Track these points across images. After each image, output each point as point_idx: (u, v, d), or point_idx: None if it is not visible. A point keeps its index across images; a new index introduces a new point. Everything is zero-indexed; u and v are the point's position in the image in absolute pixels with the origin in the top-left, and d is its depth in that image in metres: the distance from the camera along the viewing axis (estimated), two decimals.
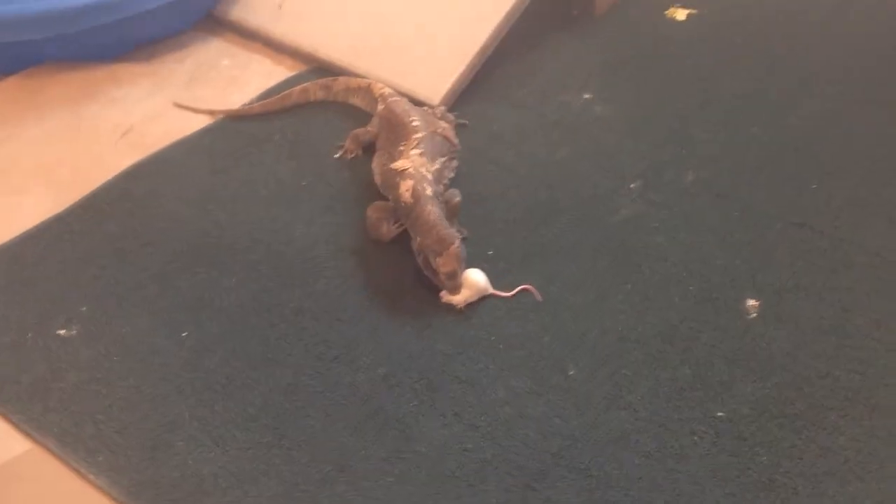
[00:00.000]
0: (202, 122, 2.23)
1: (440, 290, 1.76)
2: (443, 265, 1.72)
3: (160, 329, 1.71)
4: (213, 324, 1.72)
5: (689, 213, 1.96)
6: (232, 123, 2.22)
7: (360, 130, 2.12)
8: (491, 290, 1.76)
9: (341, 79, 2.29)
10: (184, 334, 1.70)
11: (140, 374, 1.62)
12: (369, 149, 2.09)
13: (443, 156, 1.98)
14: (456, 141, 2.07)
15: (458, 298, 1.74)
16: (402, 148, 1.94)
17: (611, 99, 2.31)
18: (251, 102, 2.28)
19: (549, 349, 1.68)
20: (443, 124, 2.08)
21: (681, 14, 2.65)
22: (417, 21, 2.37)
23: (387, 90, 2.17)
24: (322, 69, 2.40)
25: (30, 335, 1.70)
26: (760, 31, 2.57)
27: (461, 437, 1.52)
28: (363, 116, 2.20)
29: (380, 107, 2.13)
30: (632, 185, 2.04)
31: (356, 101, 2.27)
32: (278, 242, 1.90)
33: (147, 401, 1.58)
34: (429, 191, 1.83)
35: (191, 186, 2.03)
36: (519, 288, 1.77)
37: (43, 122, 2.23)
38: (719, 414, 1.55)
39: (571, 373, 1.63)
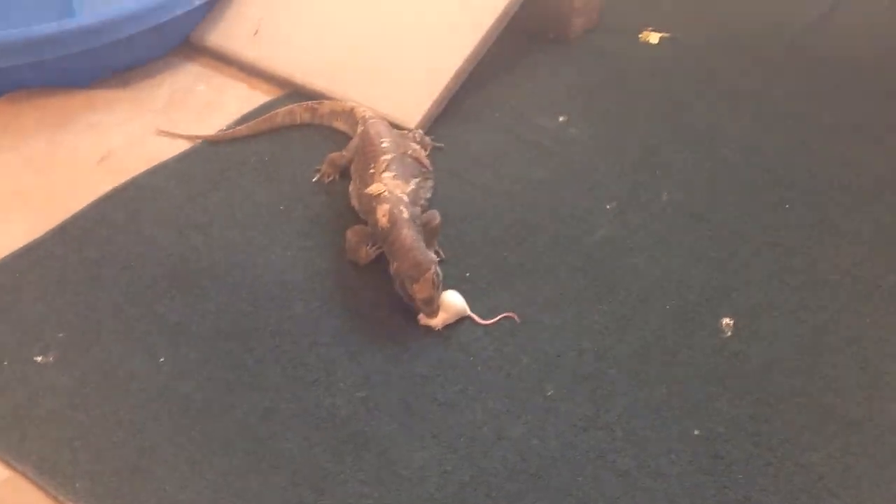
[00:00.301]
0: (179, 147, 2.23)
1: (418, 313, 1.76)
2: (419, 291, 1.73)
3: (137, 354, 1.70)
4: (190, 348, 1.72)
5: (665, 233, 1.98)
6: (210, 148, 2.23)
7: (336, 154, 2.13)
8: (468, 313, 1.77)
9: (326, 102, 2.31)
10: (161, 359, 1.70)
11: (117, 400, 1.61)
12: (347, 172, 2.10)
13: (415, 177, 1.99)
14: (427, 163, 2.08)
15: (436, 321, 1.74)
16: (372, 171, 1.94)
17: (586, 121, 2.34)
18: (232, 126, 2.29)
19: (528, 370, 1.68)
20: (414, 146, 2.09)
21: (654, 38, 2.68)
22: (393, 46, 2.39)
23: (368, 113, 2.18)
24: (298, 94, 2.41)
25: (6, 362, 1.68)
26: (732, 54, 2.61)
27: (440, 459, 1.53)
28: (341, 140, 2.21)
29: (360, 128, 2.15)
30: (608, 206, 2.06)
31: (340, 124, 2.28)
32: (256, 266, 1.90)
33: (124, 427, 1.57)
34: (405, 214, 1.84)
35: (168, 211, 2.03)
36: (500, 316, 1.77)
37: (19, 147, 2.23)
38: (696, 432, 1.57)
39: (549, 393, 1.64)
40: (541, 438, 1.56)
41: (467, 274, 1.88)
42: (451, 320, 1.76)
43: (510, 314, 1.78)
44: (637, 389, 1.64)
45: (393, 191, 1.88)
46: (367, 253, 1.88)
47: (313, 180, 2.12)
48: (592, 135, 2.29)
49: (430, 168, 2.08)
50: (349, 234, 1.89)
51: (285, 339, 1.74)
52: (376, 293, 1.83)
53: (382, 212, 1.83)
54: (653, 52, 2.64)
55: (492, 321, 1.77)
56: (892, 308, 1.79)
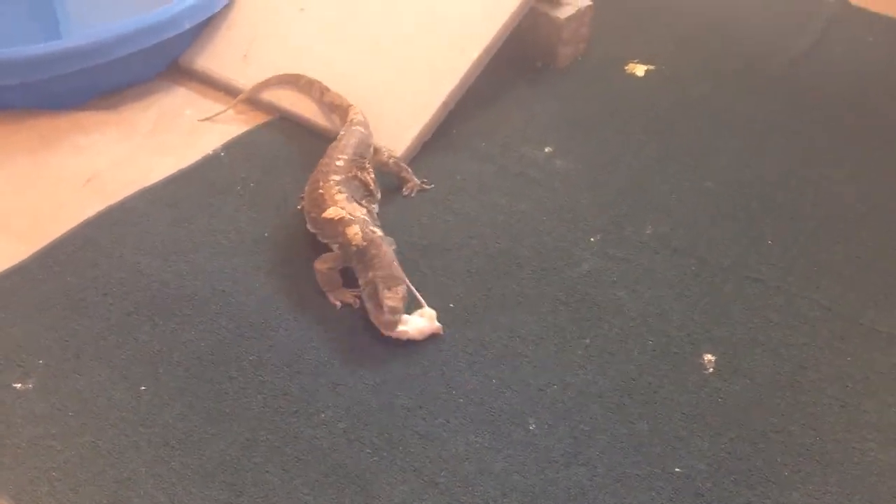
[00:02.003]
0: (166, 170, 2.22)
1: (379, 329, 1.77)
2: (389, 299, 1.73)
3: (118, 382, 1.69)
4: (171, 377, 1.71)
5: (648, 267, 1.99)
6: (196, 172, 2.22)
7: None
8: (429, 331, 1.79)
9: (333, 92, 2.33)
10: (142, 388, 1.69)
11: (97, 430, 1.60)
12: None
13: (364, 199, 2.00)
14: (375, 188, 2.07)
15: (409, 330, 1.76)
16: (321, 191, 1.94)
17: (571, 152, 2.35)
18: (220, 150, 2.30)
19: (510, 403, 1.68)
20: (369, 168, 2.09)
21: (640, 70, 2.71)
22: (380, 75, 2.40)
23: (358, 118, 2.20)
24: (285, 119, 2.42)
25: None
26: (716, 88, 2.64)
27: (421, 493, 1.52)
28: None
29: (342, 132, 2.16)
30: (592, 239, 2.07)
31: (334, 118, 2.31)
32: (239, 293, 1.89)
33: (103, 456, 1.56)
34: (379, 232, 1.86)
35: (153, 236, 2.02)
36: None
37: (3, 169, 2.22)
38: (677, 470, 1.57)
39: (531, 427, 1.64)
40: (522, 474, 1.56)
41: (451, 304, 1.88)
42: (413, 336, 1.77)
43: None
44: (619, 425, 1.64)
45: (352, 213, 1.89)
46: (349, 296, 1.87)
47: (298, 207, 2.12)
48: (578, 166, 2.30)
49: (378, 194, 2.08)
50: (318, 265, 1.88)
51: (267, 369, 1.73)
52: (359, 323, 1.83)
53: (353, 231, 1.84)
54: (639, 84, 2.66)
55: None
56: (872, 345, 1.80)
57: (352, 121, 2.19)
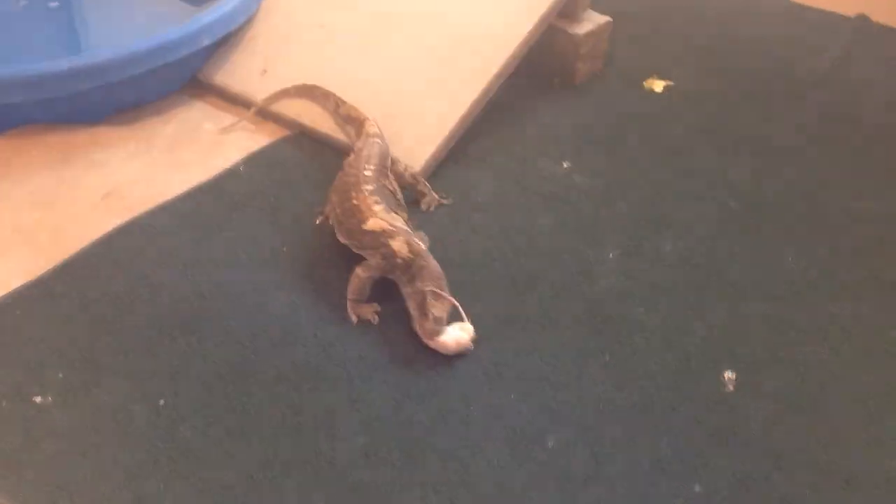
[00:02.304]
0: (184, 185, 2.23)
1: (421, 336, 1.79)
2: (435, 308, 1.75)
3: (137, 397, 1.70)
4: (190, 392, 1.71)
5: (667, 284, 1.98)
6: (215, 187, 2.22)
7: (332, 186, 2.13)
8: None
9: (349, 105, 2.34)
10: (161, 403, 1.69)
11: (116, 444, 1.60)
12: None
13: (396, 209, 2.01)
14: (401, 196, 2.10)
15: (449, 343, 1.77)
16: (355, 202, 1.94)
17: (590, 168, 2.34)
18: (240, 164, 2.31)
19: (529, 420, 1.68)
20: (391, 177, 2.11)
21: (658, 85, 2.70)
22: (400, 89, 2.40)
23: (374, 129, 2.20)
24: (304, 134, 2.42)
25: (4, 403, 1.67)
26: (736, 103, 2.63)
27: None
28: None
29: (358, 144, 2.17)
30: (611, 255, 2.06)
31: (349, 131, 2.31)
32: (257, 309, 1.89)
33: (122, 471, 1.56)
34: (424, 245, 1.87)
35: (171, 251, 2.03)
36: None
37: (23, 184, 2.23)
38: (697, 489, 1.56)
39: (550, 445, 1.63)
40: (541, 492, 1.55)
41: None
42: (451, 349, 1.78)
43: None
44: (638, 443, 1.63)
45: (393, 223, 1.89)
46: (371, 313, 1.88)
47: (317, 222, 2.12)
48: (596, 182, 2.30)
49: (403, 202, 2.10)
50: (360, 271, 1.87)
51: (286, 385, 1.73)
52: (378, 339, 1.83)
53: (399, 243, 1.84)
54: (657, 100, 2.65)
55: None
56: (894, 364, 1.79)
57: (368, 133, 2.20)
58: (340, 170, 2.11)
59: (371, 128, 2.22)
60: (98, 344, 1.80)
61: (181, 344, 1.81)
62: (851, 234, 2.12)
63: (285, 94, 2.46)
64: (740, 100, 2.65)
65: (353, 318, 1.87)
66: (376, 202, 1.94)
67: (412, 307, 1.81)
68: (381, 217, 1.90)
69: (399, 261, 1.83)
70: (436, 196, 2.20)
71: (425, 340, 1.79)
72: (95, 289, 1.92)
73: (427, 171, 2.26)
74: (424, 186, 2.20)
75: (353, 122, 2.30)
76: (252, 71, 2.56)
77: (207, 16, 2.48)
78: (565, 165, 2.35)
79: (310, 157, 2.35)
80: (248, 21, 2.65)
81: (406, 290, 1.84)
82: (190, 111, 2.53)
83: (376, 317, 1.87)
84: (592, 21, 2.65)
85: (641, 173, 2.33)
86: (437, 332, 1.77)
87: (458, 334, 1.79)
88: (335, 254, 2.03)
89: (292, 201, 2.20)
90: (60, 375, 1.73)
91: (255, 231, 2.10)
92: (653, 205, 2.22)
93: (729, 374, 1.77)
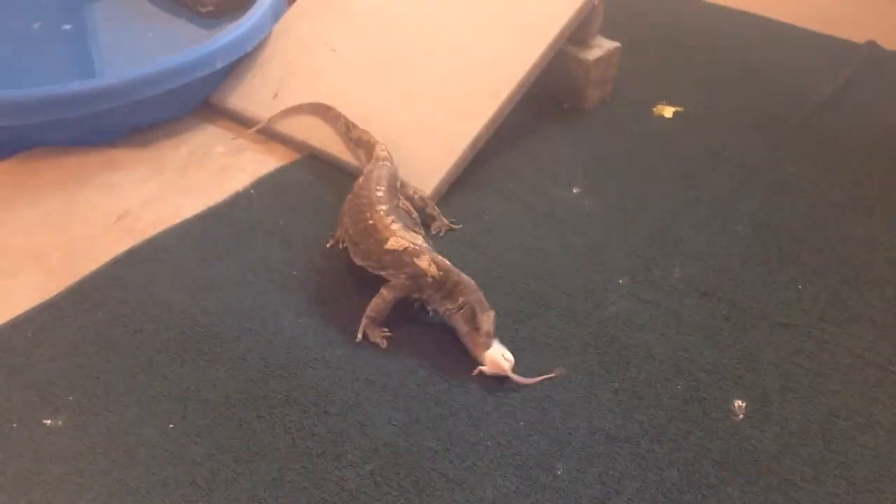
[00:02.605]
0: (196, 208, 2.24)
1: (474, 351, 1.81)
2: (485, 321, 1.77)
3: (147, 420, 1.70)
4: (199, 415, 1.71)
5: (677, 310, 1.98)
6: (225, 210, 2.24)
7: (343, 208, 2.12)
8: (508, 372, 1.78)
9: (361, 129, 2.35)
10: (170, 426, 1.69)
11: (125, 467, 1.61)
12: None
13: (414, 226, 2.04)
14: (415, 214, 2.13)
15: (506, 365, 1.76)
16: (371, 222, 1.94)
17: (599, 193, 2.35)
18: (250, 188, 2.33)
19: (538, 447, 1.67)
20: (404, 200, 2.12)
21: (668, 111, 2.71)
22: (411, 114, 2.41)
23: (383, 153, 2.22)
24: (315, 158, 2.44)
25: (15, 424, 1.68)
26: (746, 130, 2.63)
27: None
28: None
29: (368, 167, 2.18)
30: (620, 281, 2.06)
31: (359, 155, 2.32)
32: (267, 332, 1.90)
33: (131, 494, 1.56)
34: (448, 262, 1.88)
35: (182, 274, 2.04)
36: (542, 378, 1.80)
37: (36, 205, 2.25)
38: None
39: (559, 472, 1.63)
40: None
41: None
42: (504, 373, 1.78)
43: (553, 374, 1.80)
44: (648, 471, 1.63)
45: (414, 241, 1.90)
46: (381, 337, 1.88)
47: (328, 245, 2.13)
48: (606, 207, 2.30)
49: (418, 221, 2.13)
50: (386, 291, 1.88)
51: (295, 409, 1.73)
52: (387, 364, 1.83)
53: (426, 262, 1.85)
54: (667, 126, 2.66)
55: (534, 381, 1.79)
56: None
57: (378, 157, 2.21)
58: (350, 192, 2.12)
59: (381, 151, 2.23)
60: (108, 366, 1.81)
61: (190, 367, 1.81)
62: (862, 262, 2.12)
63: (300, 110, 2.50)
64: (750, 126, 2.65)
65: (360, 336, 1.88)
66: (393, 221, 1.95)
67: (459, 322, 1.82)
68: (402, 236, 1.91)
69: (429, 279, 1.84)
70: (445, 221, 2.20)
71: (476, 354, 1.80)
72: (106, 311, 1.93)
73: (437, 196, 2.27)
74: (434, 210, 2.21)
75: (364, 145, 2.32)
76: (264, 94, 2.58)
77: (220, 39, 2.51)
78: (575, 190, 2.36)
79: (320, 181, 2.36)
80: (261, 44, 2.66)
81: (446, 307, 1.84)
82: (202, 134, 2.55)
83: (384, 342, 1.87)
84: (602, 47, 2.67)
85: (651, 199, 2.33)
86: (489, 346, 1.78)
87: (505, 352, 1.79)
88: (345, 277, 2.04)
89: (302, 224, 2.21)
90: (70, 398, 1.74)
91: (264, 254, 2.11)
92: (662, 231, 2.22)
93: (739, 403, 1.76)
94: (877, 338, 1.91)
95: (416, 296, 1.89)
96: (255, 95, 2.59)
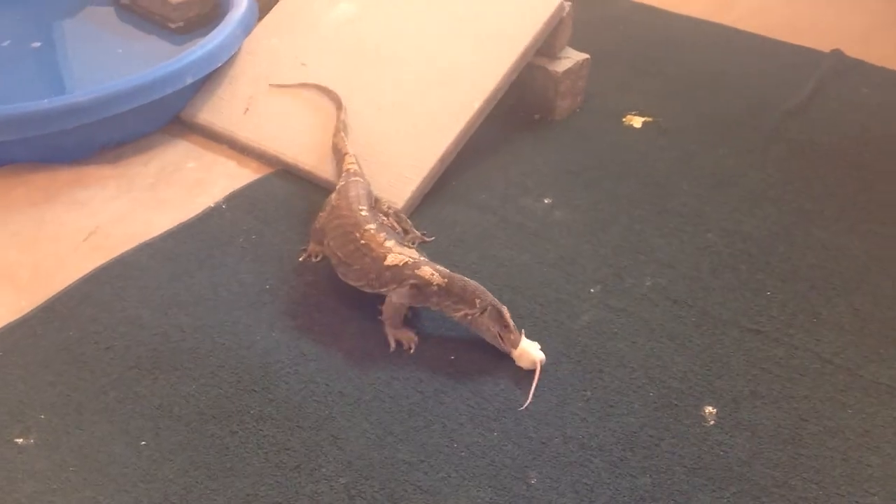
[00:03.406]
0: (167, 224, 2.24)
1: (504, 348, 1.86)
2: (510, 317, 1.84)
3: (119, 437, 1.69)
4: (172, 431, 1.71)
5: (648, 318, 2.00)
6: (197, 226, 2.23)
7: (316, 225, 2.13)
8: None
9: (341, 134, 2.35)
10: (142, 442, 1.68)
11: (97, 485, 1.60)
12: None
13: (403, 241, 2.05)
14: (399, 230, 2.15)
15: (542, 356, 1.84)
16: (362, 241, 1.94)
17: (570, 204, 2.36)
18: (222, 203, 2.32)
19: (512, 457, 1.68)
20: (381, 216, 2.13)
21: (637, 121, 2.73)
22: (381, 128, 2.42)
23: (353, 167, 2.21)
24: (287, 172, 2.44)
25: None
26: (714, 139, 2.66)
27: None
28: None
29: (340, 182, 2.17)
30: (592, 290, 2.07)
31: (336, 160, 2.31)
32: (240, 347, 1.90)
33: None
34: (446, 269, 1.90)
35: (153, 290, 2.03)
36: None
37: (5, 224, 2.23)
38: None
39: (533, 482, 1.63)
40: None
41: (451, 357, 1.89)
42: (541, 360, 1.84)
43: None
44: (621, 479, 1.64)
45: (411, 255, 1.92)
46: (411, 338, 1.92)
47: (300, 259, 2.13)
48: (577, 218, 2.31)
49: (402, 235, 2.15)
50: (396, 298, 1.89)
51: (268, 423, 1.73)
52: (360, 376, 1.83)
53: (427, 273, 1.88)
54: (636, 136, 2.68)
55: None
56: (874, 398, 1.80)
57: (348, 171, 2.21)
58: (322, 210, 2.12)
59: (351, 164, 2.23)
60: (79, 384, 1.80)
61: (163, 383, 1.81)
62: (830, 268, 2.14)
63: (316, 87, 2.55)
64: (718, 135, 2.68)
65: (392, 344, 1.90)
66: (386, 238, 1.96)
67: (486, 324, 1.85)
68: (399, 251, 1.93)
69: (434, 288, 1.86)
70: (418, 233, 2.21)
71: (509, 350, 1.84)
72: (77, 328, 1.92)
73: (409, 209, 2.27)
74: (406, 224, 2.21)
75: (337, 153, 2.32)
76: (235, 109, 2.58)
77: (191, 54, 2.50)
78: (546, 201, 2.37)
79: (292, 195, 2.36)
80: (231, 60, 2.66)
81: (463, 312, 1.87)
82: (172, 150, 2.54)
83: (413, 345, 1.90)
84: (571, 58, 2.69)
85: (622, 209, 2.35)
86: (519, 341, 1.84)
87: (535, 345, 1.86)
88: (317, 291, 2.04)
89: (274, 239, 2.21)
90: (42, 416, 1.73)
91: (236, 269, 2.11)
92: (633, 240, 2.24)
93: (710, 409, 1.78)
94: (845, 343, 1.93)
95: (421, 304, 1.92)
96: (226, 110, 2.58)
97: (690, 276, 2.12)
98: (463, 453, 1.68)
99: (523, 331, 1.86)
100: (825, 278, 2.11)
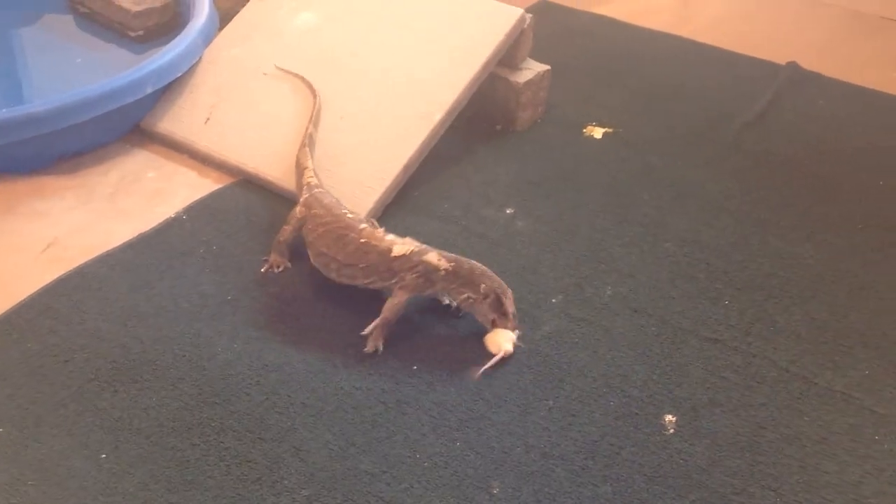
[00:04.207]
0: (126, 234, 2.22)
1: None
2: (510, 304, 1.90)
3: (78, 451, 1.68)
4: (132, 445, 1.69)
5: (609, 328, 2.01)
6: (157, 237, 2.22)
7: (280, 238, 2.13)
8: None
9: (305, 148, 2.30)
10: (102, 456, 1.67)
11: (56, 499, 1.58)
12: (298, 262, 2.13)
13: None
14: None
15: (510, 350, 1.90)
16: (362, 240, 1.95)
17: (532, 214, 2.38)
18: (182, 213, 2.30)
19: (474, 467, 1.68)
20: None
21: (598, 132, 2.76)
22: (343, 138, 2.42)
23: (313, 180, 2.19)
24: (248, 182, 2.43)
25: None
26: (673, 150, 2.69)
27: None
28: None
29: (304, 195, 2.15)
30: (553, 300, 2.09)
31: (296, 173, 2.28)
32: (201, 359, 1.89)
33: None
34: (452, 254, 1.94)
35: (113, 302, 2.02)
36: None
37: None
38: None
39: (496, 491, 1.64)
40: None
41: (414, 367, 1.89)
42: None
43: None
44: (582, 487, 1.65)
45: (413, 244, 1.95)
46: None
47: (262, 270, 2.13)
48: (539, 227, 2.33)
49: None
50: (401, 292, 1.92)
51: (229, 436, 1.72)
52: (322, 386, 1.83)
53: (435, 258, 1.91)
54: (597, 147, 2.70)
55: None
56: (829, 406, 1.83)
57: (309, 184, 2.18)
58: (288, 224, 2.12)
59: (311, 178, 2.21)
60: (38, 397, 1.78)
61: (122, 396, 1.79)
62: (786, 277, 2.18)
63: (301, 79, 2.55)
64: (678, 147, 2.71)
65: (380, 347, 1.92)
66: (385, 232, 1.99)
67: (484, 309, 1.90)
68: (401, 242, 1.95)
69: (442, 273, 1.90)
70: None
71: (508, 350, 1.89)
72: (35, 341, 1.90)
73: (373, 218, 2.27)
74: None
75: (298, 166, 2.30)
76: (195, 119, 2.57)
77: (151, 63, 2.49)
78: (508, 211, 2.38)
79: (253, 205, 2.36)
80: (192, 69, 2.65)
81: (467, 296, 1.91)
82: (132, 160, 2.52)
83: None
84: (532, 69, 2.71)
85: (583, 219, 2.37)
86: (517, 327, 1.91)
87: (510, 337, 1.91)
88: (279, 302, 2.04)
89: (235, 250, 2.20)
90: (0, 429, 1.70)
91: (197, 280, 2.10)
92: (594, 250, 2.25)
93: (670, 417, 1.80)
94: (801, 351, 1.96)
95: (428, 292, 1.94)
96: (187, 120, 2.57)
97: (651, 286, 2.14)
98: (426, 464, 1.69)
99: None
100: (782, 287, 2.15)
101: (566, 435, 1.76)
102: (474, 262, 1.92)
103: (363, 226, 2.00)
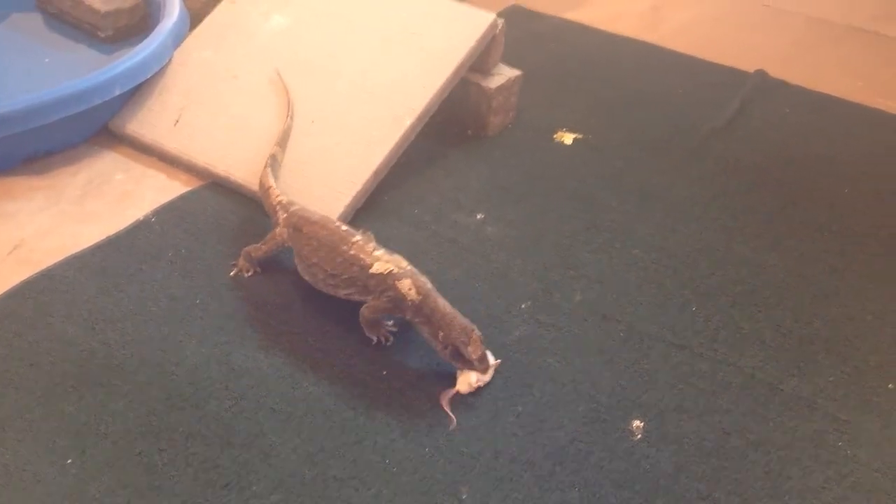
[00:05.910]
0: (94, 237, 2.21)
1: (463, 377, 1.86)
2: (473, 352, 1.80)
3: (44, 456, 1.66)
4: (99, 450, 1.68)
5: (578, 333, 2.03)
6: (125, 240, 2.20)
7: (251, 248, 2.12)
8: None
9: (268, 170, 2.26)
10: (68, 461, 1.66)
11: None
12: (268, 266, 2.12)
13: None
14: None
15: (487, 377, 1.85)
16: (352, 252, 1.94)
17: (502, 219, 2.39)
18: (151, 216, 2.29)
19: (443, 472, 1.69)
20: None
21: (568, 138, 2.78)
22: (313, 143, 2.42)
23: (284, 198, 2.17)
24: (217, 185, 2.42)
25: None
26: (642, 156, 2.71)
27: None
28: (258, 230, 2.21)
29: (281, 215, 2.13)
30: (523, 306, 2.10)
31: (261, 195, 2.26)
32: (169, 363, 1.88)
33: None
34: (428, 283, 1.90)
35: (80, 305, 2.00)
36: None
37: None
38: None
39: (464, 496, 1.65)
40: None
41: (384, 372, 1.89)
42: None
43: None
44: (550, 493, 1.66)
45: (399, 264, 1.93)
46: (386, 333, 1.96)
47: (231, 275, 2.12)
48: (509, 233, 2.34)
49: None
50: (366, 311, 1.92)
51: (197, 441, 1.71)
52: (291, 391, 1.83)
53: (407, 286, 1.88)
54: (567, 152, 2.72)
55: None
56: (794, 412, 1.86)
57: (281, 202, 2.15)
58: (265, 243, 2.11)
59: (281, 196, 2.17)
60: (3, 401, 1.76)
61: (89, 401, 1.78)
62: (752, 284, 2.20)
63: (287, 94, 2.51)
64: (646, 153, 2.73)
65: (374, 339, 1.96)
66: (375, 248, 1.97)
67: (447, 357, 1.85)
68: (387, 259, 1.94)
69: (409, 303, 1.87)
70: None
71: (483, 376, 1.86)
72: (1, 345, 1.89)
73: (343, 222, 2.27)
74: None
75: (262, 187, 2.25)
76: (164, 121, 2.55)
77: (120, 65, 2.47)
78: (478, 217, 2.39)
79: (222, 208, 2.35)
80: (161, 71, 2.63)
81: (426, 333, 1.88)
82: (101, 162, 2.51)
83: (390, 336, 1.96)
84: (504, 75, 2.72)
85: (552, 224, 2.38)
86: (488, 366, 1.85)
87: (479, 379, 1.86)
88: (249, 306, 2.03)
89: (205, 253, 2.19)
90: None
91: (166, 283, 2.09)
92: (563, 255, 2.27)
93: (637, 423, 1.81)
94: (766, 358, 1.99)
95: (399, 315, 1.94)
96: (156, 122, 2.56)
97: (618, 292, 2.16)
98: (394, 469, 1.69)
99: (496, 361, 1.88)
100: (747, 294, 2.17)
101: (535, 440, 1.77)
102: (444, 302, 1.87)
103: (356, 238, 1.99)
